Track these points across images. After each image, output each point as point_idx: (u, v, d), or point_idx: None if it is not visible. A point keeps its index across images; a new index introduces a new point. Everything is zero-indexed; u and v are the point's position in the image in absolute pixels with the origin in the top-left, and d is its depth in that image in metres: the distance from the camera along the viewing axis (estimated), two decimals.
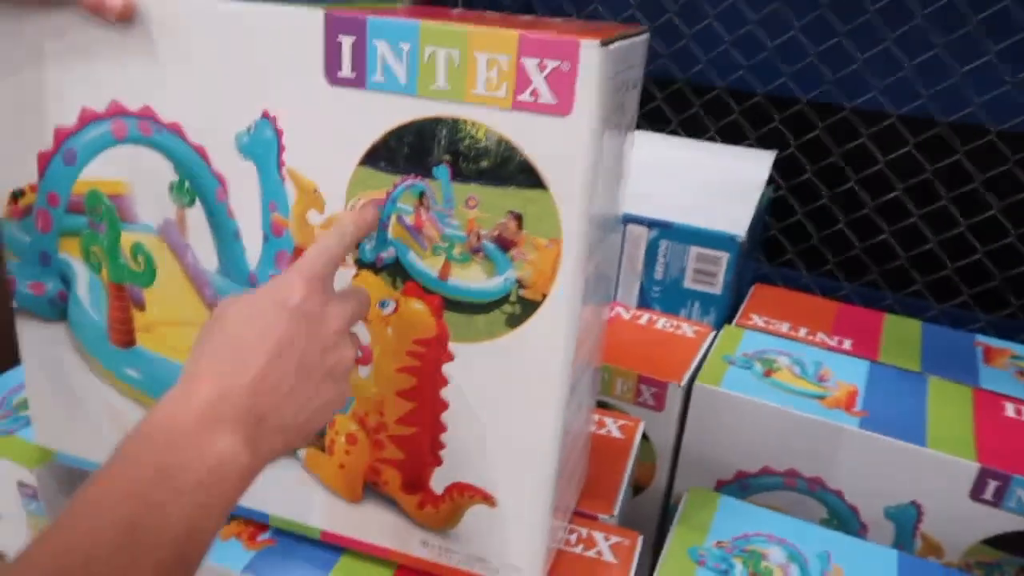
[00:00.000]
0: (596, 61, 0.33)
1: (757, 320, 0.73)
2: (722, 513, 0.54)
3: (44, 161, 0.45)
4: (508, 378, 0.40)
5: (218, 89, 0.40)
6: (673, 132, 0.93)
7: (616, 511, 0.54)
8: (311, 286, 0.34)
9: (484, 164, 0.36)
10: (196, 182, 0.42)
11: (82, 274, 0.47)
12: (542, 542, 0.43)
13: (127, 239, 0.45)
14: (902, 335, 0.72)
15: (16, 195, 0.47)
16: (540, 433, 0.41)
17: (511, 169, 0.36)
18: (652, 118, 0.94)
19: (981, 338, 0.73)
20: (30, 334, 0.50)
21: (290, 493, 0.47)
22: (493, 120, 0.36)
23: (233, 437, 0.31)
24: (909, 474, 0.58)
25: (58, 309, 0.48)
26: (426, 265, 0.39)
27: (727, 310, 0.75)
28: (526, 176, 0.36)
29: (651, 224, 0.74)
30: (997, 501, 0.57)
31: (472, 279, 0.39)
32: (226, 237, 0.43)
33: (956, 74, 0.78)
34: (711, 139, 0.92)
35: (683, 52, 0.90)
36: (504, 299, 0.39)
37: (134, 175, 0.43)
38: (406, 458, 0.44)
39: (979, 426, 0.60)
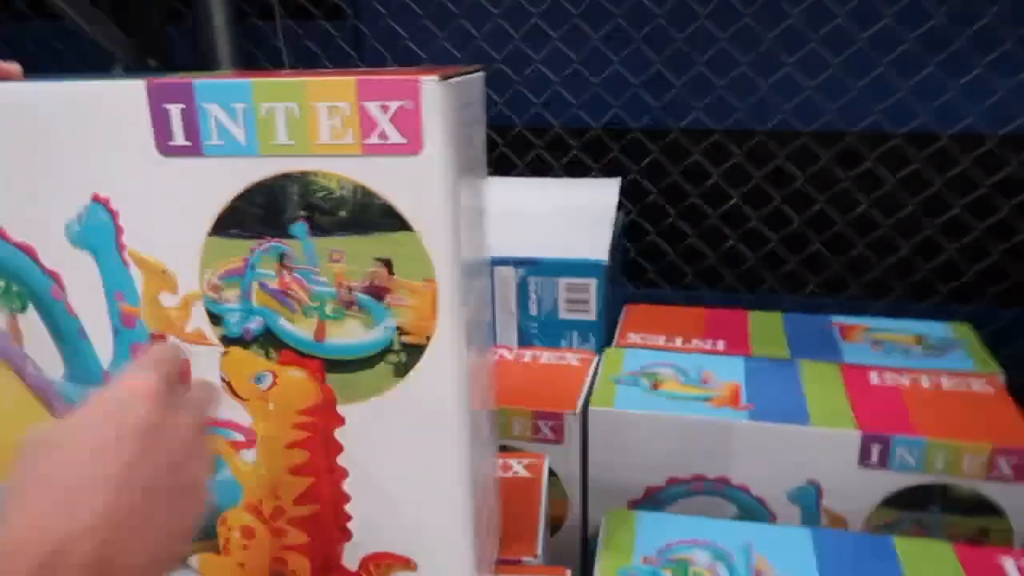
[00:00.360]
0: (438, 95, 0.34)
1: (635, 338, 0.75)
2: (642, 528, 0.54)
3: None
4: (406, 431, 0.38)
5: (40, 178, 0.37)
6: (520, 175, 0.96)
7: (539, 551, 0.52)
8: (149, 395, 0.30)
9: (343, 214, 0.36)
10: (25, 284, 0.38)
11: None
12: None
13: None
14: (767, 328, 0.76)
15: None
16: (449, 482, 0.39)
17: (372, 215, 0.35)
18: (498, 165, 0.96)
19: (836, 318, 0.79)
20: None
21: None
22: (345, 168, 0.35)
23: None
24: (801, 455, 0.61)
25: None
26: (299, 329, 0.37)
27: (604, 334, 0.77)
28: (389, 220, 0.35)
29: (517, 263, 0.75)
30: (883, 463, 0.60)
31: (350, 335, 0.37)
32: (69, 338, 0.39)
33: (764, 86, 0.86)
34: (557, 176, 0.96)
35: (517, 97, 0.94)
36: (387, 349, 0.37)
37: None
38: (312, 540, 0.41)
39: (852, 397, 0.64)
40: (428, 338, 0.37)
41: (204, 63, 0.94)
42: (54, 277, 0.38)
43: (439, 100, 0.34)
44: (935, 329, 0.75)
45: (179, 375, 0.33)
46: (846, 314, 0.81)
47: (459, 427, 0.38)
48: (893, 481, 0.61)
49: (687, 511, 0.64)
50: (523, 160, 0.97)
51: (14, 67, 0.39)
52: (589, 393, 0.67)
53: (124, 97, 0.35)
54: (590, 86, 0.91)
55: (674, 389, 0.66)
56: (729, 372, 0.68)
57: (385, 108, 0.34)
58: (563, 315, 0.76)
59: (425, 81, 0.33)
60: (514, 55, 0.92)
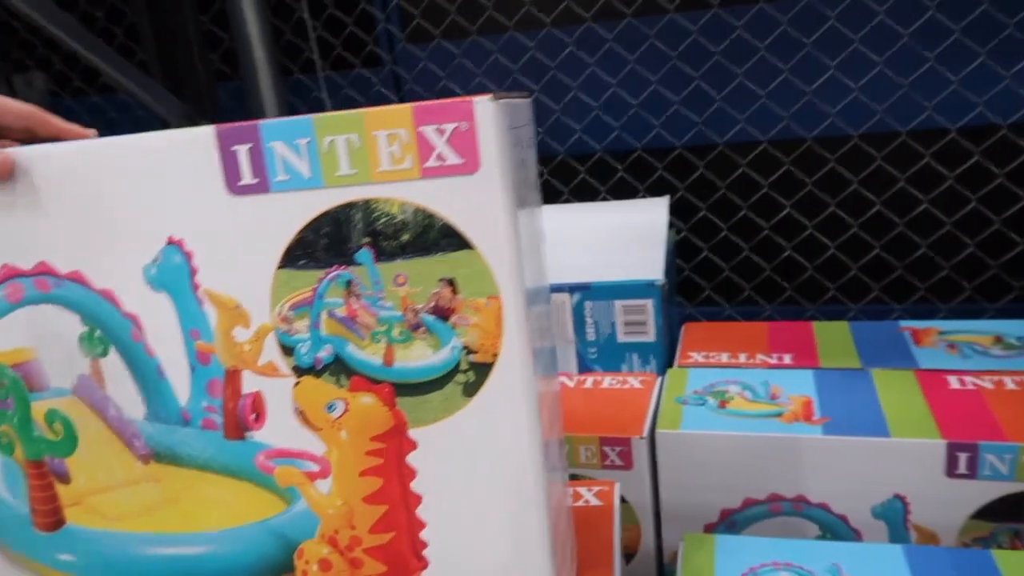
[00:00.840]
0: (492, 114, 0.34)
1: (697, 357, 0.74)
2: (722, 552, 0.53)
3: None
4: (478, 451, 0.38)
5: (116, 226, 0.38)
6: (566, 202, 0.97)
7: None
8: None
9: (405, 238, 0.36)
10: (107, 328, 0.40)
11: None
12: None
13: (39, 409, 0.42)
14: (834, 338, 0.74)
15: None
16: (524, 500, 0.39)
17: (433, 236, 0.36)
18: (544, 194, 0.97)
19: (905, 323, 0.76)
20: None
21: None
22: (406, 192, 0.36)
23: None
24: (884, 468, 0.59)
25: None
26: (368, 354, 0.38)
27: (664, 355, 0.76)
28: (450, 240, 0.36)
29: (572, 289, 0.75)
30: (972, 473, 0.57)
31: (418, 357, 0.38)
32: (149, 378, 0.40)
33: (808, 92, 0.85)
34: (604, 200, 0.96)
35: (558, 125, 0.95)
36: (455, 369, 0.37)
37: (37, 338, 0.41)
38: (389, 569, 0.41)
39: (933, 405, 0.62)
40: (495, 355, 0.37)
41: (252, 118, 0.97)
42: (133, 320, 0.39)
43: (492, 119, 0.34)
44: (1013, 327, 0.72)
45: None
46: (915, 319, 0.78)
47: (531, 444, 0.38)
48: (984, 491, 0.58)
49: (766, 533, 0.62)
50: (568, 187, 0.97)
51: (91, 132, 0.42)
52: (655, 416, 0.66)
53: (195, 144, 0.37)
54: (630, 107, 0.92)
55: (743, 407, 0.65)
56: (799, 386, 0.66)
57: (441, 131, 0.35)
58: (621, 338, 0.75)
59: (478, 102, 0.34)
60: (552, 84, 0.93)
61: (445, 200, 0.35)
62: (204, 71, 1.09)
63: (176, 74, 1.08)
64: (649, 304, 0.73)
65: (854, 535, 0.61)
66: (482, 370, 0.37)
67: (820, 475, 0.60)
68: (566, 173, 0.97)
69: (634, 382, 0.72)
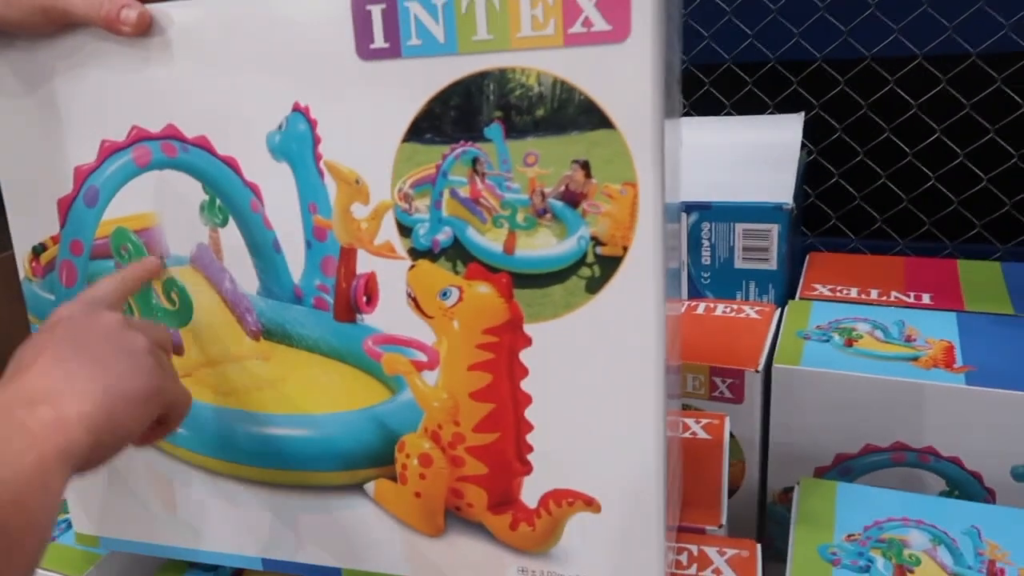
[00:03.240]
0: None
1: (822, 289, 0.68)
2: (844, 502, 0.48)
3: (65, 206, 0.42)
4: (596, 353, 0.35)
5: (243, 90, 0.37)
6: (687, 115, 0.90)
7: (723, 520, 0.48)
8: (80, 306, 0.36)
9: (540, 113, 0.33)
10: (228, 198, 0.39)
11: None
12: (658, 548, 0.38)
13: (158, 277, 0.41)
14: (983, 279, 0.67)
15: (37, 251, 0.43)
16: (642, 413, 0.36)
17: (571, 112, 0.33)
18: None
19: None
20: None
21: (362, 539, 0.42)
22: (545, 62, 0.32)
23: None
24: None
25: None
26: (488, 240, 0.35)
27: (785, 286, 0.70)
28: (588, 117, 0.32)
29: (689, 208, 0.70)
30: None
31: (542, 246, 0.35)
32: (265, 251, 0.39)
33: (976, 2, 0.75)
34: (727, 115, 0.89)
35: (683, 31, 0.88)
36: (580, 262, 0.34)
37: (160, 203, 0.40)
38: (491, 471, 0.39)
39: None
40: (625, 249, 0.34)
41: None
42: (254, 190, 0.38)
43: None
44: None
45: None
46: None
47: (655, 348, 0.35)
48: None
49: (886, 483, 0.57)
50: (690, 100, 0.91)
51: None
52: (772, 349, 0.61)
53: (329, 2, 0.34)
54: (767, 13, 0.84)
55: (872, 347, 0.59)
56: (939, 329, 0.60)
57: None
58: (739, 264, 0.70)
59: None
60: None
61: (587, 72, 0.32)
62: None
63: None
64: (774, 229, 0.68)
65: (986, 495, 0.56)
66: (609, 264, 0.34)
67: (955, 428, 0.55)
68: (689, 84, 0.90)
69: (750, 311, 0.67)
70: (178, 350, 0.42)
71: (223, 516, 0.44)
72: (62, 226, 0.42)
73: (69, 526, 0.51)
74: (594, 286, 0.35)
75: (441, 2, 0.33)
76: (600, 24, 0.31)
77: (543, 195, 0.34)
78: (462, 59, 0.33)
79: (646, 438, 0.36)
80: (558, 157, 0.33)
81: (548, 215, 0.34)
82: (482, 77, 0.33)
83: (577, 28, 0.31)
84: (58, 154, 0.41)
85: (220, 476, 0.43)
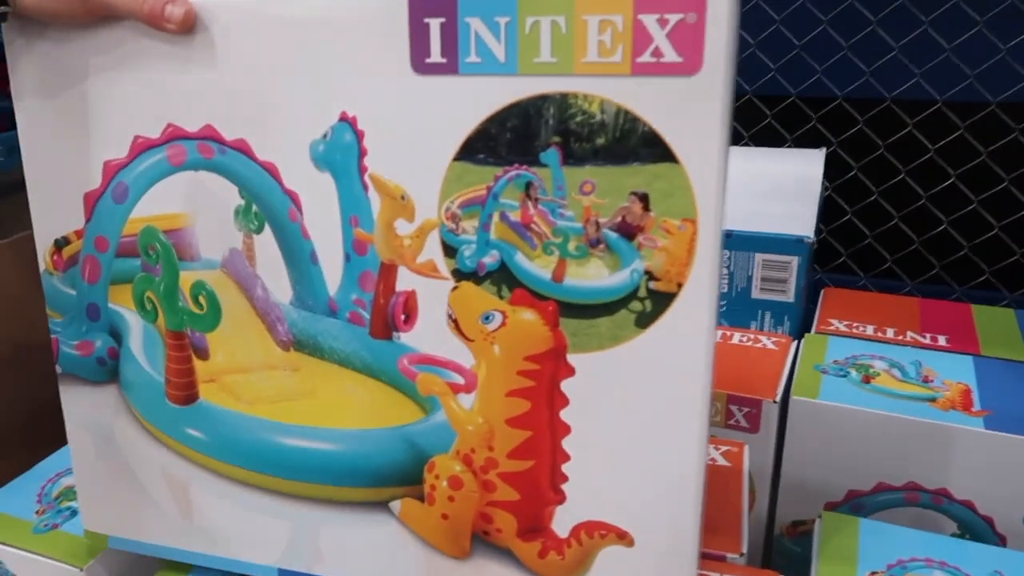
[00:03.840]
0: (725, 9, 0.30)
1: (838, 325, 0.68)
2: (867, 538, 0.48)
3: (91, 201, 0.41)
4: (640, 388, 0.35)
5: (288, 96, 0.36)
6: None
7: (743, 548, 0.47)
8: None
9: (600, 141, 0.32)
10: (265, 204, 0.38)
11: (135, 325, 0.42)
12: None
13: (186, 279, 0.40)
14: (997, 325, 0.67)
15: (60, 244, 0.42)
16: (682, 452, 0.35)
17: (633, 143, 0.32)
18: None
19: None
20: (76, 401, 0.45)
21: (384, 556, 0.41)
22: (610, 90, 0.32)
23: None
24: None
25: (107, 369, 0.43)
26: (537, 266, 0.35)
27: (800, 319, 0.70)
28: (651, 149, 0.32)
29: None
30: None
31: (592, 277, 0.34)
32: (301, 262, 0.38)
33: (1001, 51, 0.75)
34: (745, 146, 0.89)
35: None
36: (632, 295, 0.34)
37: (193, 205, 0.39)
38: (522, 498, 0.38)
39: None
40: (679, 286, 0.33)
41: None
42: (293, 198, 0.37)
43: (726, 14, 0.30)
44: None
45: None
46: None
47: (700, 390, 0.34)
48: None
49: (896, 523, 0.56)
50: None
51: None
52: (789, 381, 0.61)
53: (384, 11, 0.33)
54: (791, 48, 0.84)
55: (890, 385, 0.59)
56: (956, 372, 0.60)
57: (663, 22, 0.30)
58: (756, 294, 0.70)
59: None
60: None
61: (654, 103, 0.31)
62: None
63: None
64: (794, 262, 0.68)
65: (998, 541, 0.55)
66: (662, 300, 0.34)
67: (971, 471, 0.55)
68: None
69: (767, 342, 0.67)
70: (203, 354, 0.41)
71: (239, 524, 0.43)
72: (87, 221, 0.41)
73: (74, 513, 0.50)
74: (644, 321, 0.34)
75: (504, 20, 0.32)
76: (671, 55, 0.31)
77: (598, 225, 0.33)
78: (522, 80, 0.33)
79: (687, 475, 0.35)
80: (616, 187, 0.33)
81: (601, 245, 0.34)
82: (542, 100, 0.33)
83: (646, 58, 0.31)
84: (86, 147, 0.40)
85: (239, 483, 0.42)
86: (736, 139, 0.90)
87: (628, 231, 0.33)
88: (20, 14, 0.38)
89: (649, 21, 0.30)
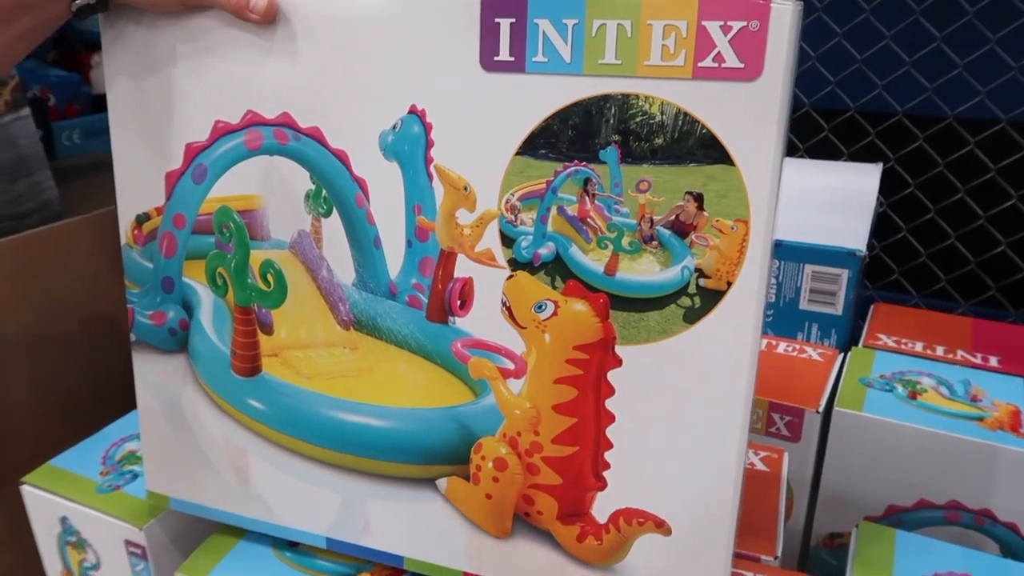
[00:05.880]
0: (788, 18, 0.31)
1: (886, 340, 0.68)
2: (903, 550, 0.48)
3: (172, 180, 0.43)
4: (686, 382, 0.36)
5: (362, 87, 0.38)
6: None
7: (778, 551, 0.48)
8: None
9: (658, 142, 0.34)
10: (334, 190, 0.40)
11: (206, 299, 0.45)
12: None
13: (256, 258, 0.43)
14: None
15: (140, 220, 0.45)
16: (723, 444, 0.36)
17: (690, 145, 0.33)
18: None
19: None
20: (147, 368, 0.47)
21: (428, 531, 0.43)
22: (670, 92, 0.33)
23: None
24: None
25: (178, 339, 0.46)
26: (590, 260, 0.36)
27: (848, 333, 0.70)
28: (708, 151, 0.33)
29: None
30: None
31: (643, 272, 0.35)
32: (365, 246, 0.40)
33: None
34: (800, 158, 0.89)
35: None
36: (681, 291, 0.35)
37: (266, 187, 0.42)
38: (564, 483, 0.39)
39: None
40: (729, 284, 0.34)
41: None
42: (361, 185, 0.39)
43: (788, 23, 0.31)
44: None
45: None
46: None
47: (743, 387, 0.35)
48: None
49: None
50: None
51: None
52: (833, 393, 0.61)
53: (457, 11, 0.35)
54: (852, 62, 0.83)
55: (936, 402, 0.59)
56: (1006, 392, 0.59)
57: (727, 29, 0.31)
58: (804, 305, 0.70)
59: (777, 1, 0.31)
60: None
61: (713, 106, 0.32)
62: None
63: None
64: (844, 275, 0.67)
65: None
66: (711, 297, 0.35)
67: (1016, 493, 0.54)
68: None
69: (812, 353, 0.67)
70: (268, 330, 0.44)
71: (293, 492, 0.45)
72: (167, 199, 0.44)
73: (134, 477, 0.53)
74: (692, 316, 0.35)
75: (572, 22, 0.34)
76: (732, 61, 0.32)
77: (652, 222, 0.35)
78: (586, 80, 0.34)
79: (726, 469, 0.36)
80: (672, 187, 0.34)
81: (655, 242, 0.35)
82: (604, 100, 0.34)
83: (708, 62, 0.32)
84: (170, 129, 0.43)
85: (295, 454, 0.44)
86: (792, 151, 0.89)
87: (681, 229, 0.34)
88: (117, 1, 0.41)
89: (713, 27, 0.31)
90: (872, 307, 0.75)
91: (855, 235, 0.68)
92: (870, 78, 0.84)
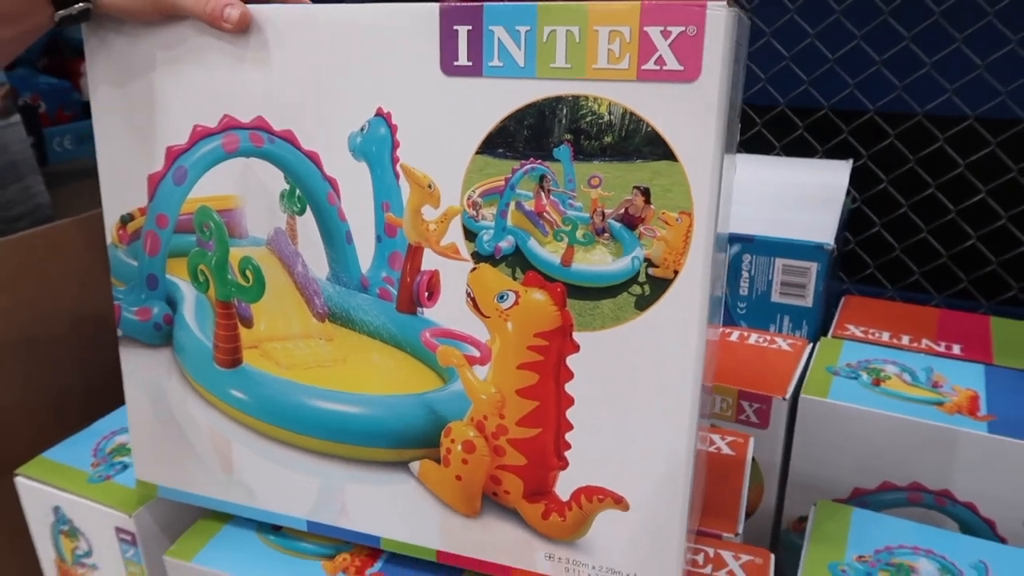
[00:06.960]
0: (723, 22, 0.33)
1: (855, 330, 0.70)
2: (858, 526, 0.50)
3: (154, 182, 0.45)
4: (639, 365, 0.38)
5: (331, 92, 0.40)
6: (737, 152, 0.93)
7: (739, 529, 0.50)
8: None
9: (607, 140, 0.36)
10: (307, 189, 0.42)
11: (189, 295, 0.47)
12: (679, 548, 0.41)
13: (235, 255, 0.45)
14: (1014, 336, 0.68)
15: (125, 220, 0.47)
16: (674, 423, 0.38)
17: (637, 142, 0.35)
18: None
19: None
20: (133, 362, 0.50)
21: (402, 512, 0.45)
22: (617, 93, 0.35)
23: None
24: None
25: (163, 334, 0.48)
26: (548, 252, 0.38)
27: (818, 325, 0.72)
28: (653, 148, 0.35)
29: (732, 239, 0.72)
30: None
31: (598, 262, 0.38)
32: (337, 241, 0.42)
33: None
34: (777, 156, 0.91)
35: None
36: (632, 280, 0.37)
37: (243, 188, 0.44)
38: (529, 463, 0.42)
39: None
40: (675, 272, 0.36)
41: None
42: (332, 184, 0.42)
43: (723, 27, 0.33)
44: None
45: None
46: None
47: (694, 365, 0.37)
48: None
49: None
50: (741, 137, 0.93)
51: None
52: (801, 381, 0.63)
53: (418, 20, 0.37)
54: (824, 62, 0.86)
55: (899, 388, 0.61)
56: (966, 378, 0.62)
57: (666, 34, 0.34)
58: (776, 298, 0.72)
59: (712, 7, 0.33)
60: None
61: (656, 106, 0.35)
62: None
63: None
64: (814, 268, 0.70)
65: (998, 542, 0.57)
66: (659, 285, 0.37)
67: (973, 474, 0.56)
68: (742, 122, 0.93)
69: (782, 343, 0.69)
70: (247, 323, 0.46)
71: (275, 478, 0.47)
72: (150, 200, 0.46)
73: (124, 468, 0.55)
74: (643, 304, 0.37)
75: (524, 29, 0.36)
76: (672, 63, 0.34)
77: (603, 215, 0.37)
78: (539, 83, 0.36)
79: (678, 447, 0.39)
80: (621, 182, 0.36)
81: (606, 234, 0.37)
82: (556, 102, 0.36)
83: (650, 65, 0.34)
84: (152, 134, 0.45)
85: (276, 442, 0.46)
86: (768, 149, 0.92)
87: (631, 222, 0.36)
88: (99, 12, 0.43)
89: (654, 32, 0.34)
90: (843, 299, 0.77)
91: (824, 229, 0.70)
92: (842, 77, 0.86)
